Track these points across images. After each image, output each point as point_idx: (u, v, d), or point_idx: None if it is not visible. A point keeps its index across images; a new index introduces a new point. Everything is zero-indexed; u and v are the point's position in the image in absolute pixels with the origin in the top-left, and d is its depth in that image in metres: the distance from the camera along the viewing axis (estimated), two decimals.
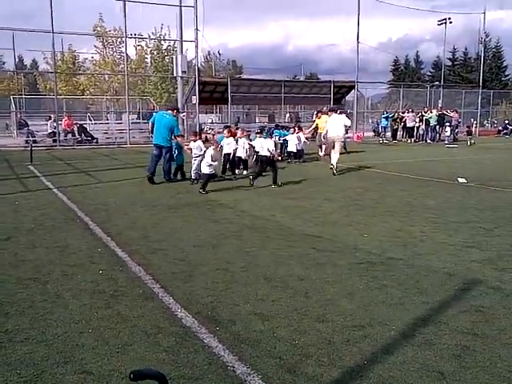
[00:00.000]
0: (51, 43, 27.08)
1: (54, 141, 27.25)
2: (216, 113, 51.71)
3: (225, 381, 3.66)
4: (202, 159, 12.63)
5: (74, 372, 3.73)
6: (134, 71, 42.40)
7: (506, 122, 42.31)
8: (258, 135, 13.85)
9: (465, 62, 74.35)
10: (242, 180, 14.30)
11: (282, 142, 19.52)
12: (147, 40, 43.96)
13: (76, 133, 28.57)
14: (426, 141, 32.49)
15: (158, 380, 1.82)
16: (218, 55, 76.26)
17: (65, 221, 8.94)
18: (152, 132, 14.50)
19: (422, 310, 4.92)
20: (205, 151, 12.70)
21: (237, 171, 15.39)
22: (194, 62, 32.46)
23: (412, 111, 33.59)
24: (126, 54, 32.64)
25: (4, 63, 42.42)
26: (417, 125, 32.91)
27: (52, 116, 28.50)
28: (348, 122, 16.98)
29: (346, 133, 20.20)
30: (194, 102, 30.64)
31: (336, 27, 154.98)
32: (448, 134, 31.75)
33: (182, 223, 8.84)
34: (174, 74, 31.39)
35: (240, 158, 15.46)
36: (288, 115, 43.13)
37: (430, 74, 76.10)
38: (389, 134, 33.70)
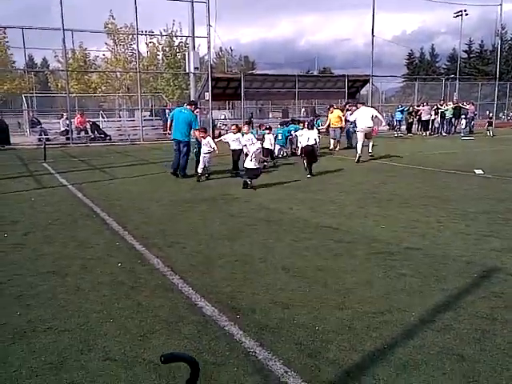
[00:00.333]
0: (62, 41, 27.07)
1: (67, 138, 27.32)
2: (229, 109, 51.60)
3: (247, 365, 3.69)
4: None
5: (97, 359, 3.77)
6: (145, 68, 42.35)
7: None
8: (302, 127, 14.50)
9: (481, 54, 73.54)
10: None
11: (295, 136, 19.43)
12: (159, 37, 43.95)
13: (89, 130, 28.60)
14: (442, 134, 32.25)
15: (189, 364, 1.81)
16: (230, 51, 76.37)
17: (81, 216, 8.99)
18: (170, 128, 14.40)
19: (440, 297, 4.93)
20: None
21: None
22: (206, 58, 32.41)
23: (427, 104, 33.38)
24: (138, 51, 32.64)
25: (14, 62, 42.33)
26: (432, 118, 32.69)
27: (64, 114, 28.55)
28: (376, 113, 17.81)
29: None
30: (206, 99, 30.57)
31: (349, 21, 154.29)
32: (464, 126, 31.53)
33: (198, 217, 8.87)
34: (187, 71, 31.24)
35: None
36: (303, 110, 42.95)
37: (445, 66, 75.44)
38: (404, 127, 33.53)
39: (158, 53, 46.19)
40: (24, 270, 5.95)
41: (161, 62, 46.72)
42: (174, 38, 44.75)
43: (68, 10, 26.52)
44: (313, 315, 4.55)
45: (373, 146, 18.24)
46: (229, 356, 3.83)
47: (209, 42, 29.78)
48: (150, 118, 34.06)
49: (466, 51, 72.59)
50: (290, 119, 26.24)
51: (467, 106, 32.96)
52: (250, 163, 11.97)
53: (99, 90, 42.94)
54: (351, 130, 22.47)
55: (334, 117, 21.92)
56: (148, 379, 3.51)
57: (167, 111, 29.88)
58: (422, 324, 4.34)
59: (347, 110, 23.63)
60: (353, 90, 38.49)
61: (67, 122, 27.52)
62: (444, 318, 4.47)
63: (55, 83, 43.57)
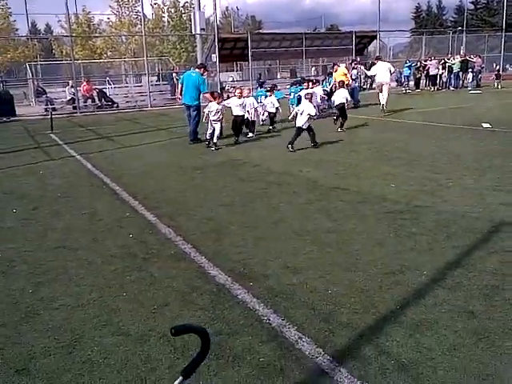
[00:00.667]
0: (65, 5, 26.54)
1: (74, 107, 26.98)
2: (237, 71, 50.99)
3: (261, 333, 3.68)
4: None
5: (112, 334, 3.76)
6: (151, 31, 41.81)
7: None
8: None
9: (487, 4, 72.04)
10: (265, 139, 14.24)
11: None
12: None
13: (96, 98, 28.23)
14: (449, 88, 31.81)
15: (198, 334, 1.78)
16: (236, 11, 75.17)
17: (90, 187, 8.95)
18: (181, 93, 13.99)
19: (451, 255, 4.93)
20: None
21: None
22: (212, 18, 31.83)
23: (434, 58, 32.82)
24: (143, 14, 32.16)
25: (17, 29, 41.77)
26: (440, 72, 32.18)
27: (70, 82, 28.18)
28: (392, 68, 18.69)
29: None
30: (214, 61, 30.10)
31: None
32: (470, 80, 31.14)
33: (208, 183, 8.81)
34: (193, 32, 30.76)
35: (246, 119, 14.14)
36: (314, 69, 42.31)
37: (452, 19, 74.07)
38: (412, 83, 33.04)
39: (164, 15, 45.54)
40: (34, 245, 5.92)
41: (166, 24, 46.07)
42: None
43: None
44: (325, 279, 4.54)
45: (386, 102, 18.09)
46: (243, 324, 3.82)
47: (214, 1, 29.23)
48: (158, 83, 33.74)
49: (472, 2, 71.05)
50: (300, 78, 25.53)
51: (474, 59, 32.40)
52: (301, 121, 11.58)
53: (105, 55, 42.54)
54: (357, 88, 22.11)
55: (339, 74, 20.89)
56: (162, 353, 3.49)
57: (174, 75, 29.59)
58: (433, 283, 4.35)
59: (353, 68, 23.28)
60: (360, 46, 37.92)
61: (73, 90, 27.25)
62: (454, 275, 4.48)
63: (59, 50, 42.97)
